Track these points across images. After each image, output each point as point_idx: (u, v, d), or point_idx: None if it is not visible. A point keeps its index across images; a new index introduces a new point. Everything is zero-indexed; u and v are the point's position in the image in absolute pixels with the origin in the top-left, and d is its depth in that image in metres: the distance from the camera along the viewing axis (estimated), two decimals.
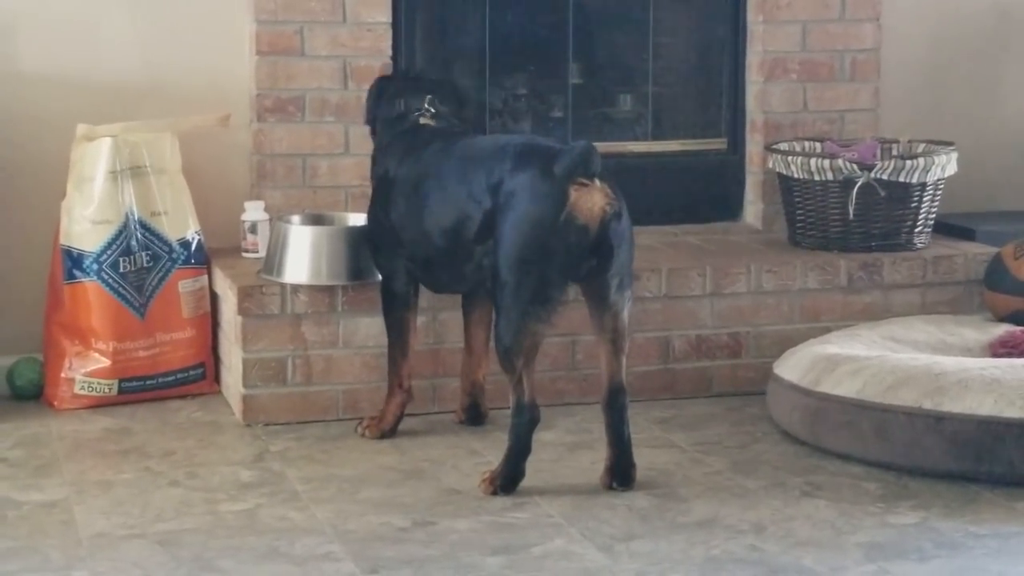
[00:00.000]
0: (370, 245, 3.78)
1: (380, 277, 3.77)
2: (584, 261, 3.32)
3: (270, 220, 4.13)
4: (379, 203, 3.70)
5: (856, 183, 4.22)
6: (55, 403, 4.04)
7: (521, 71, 4.60)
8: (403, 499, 3.36)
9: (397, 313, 3.73)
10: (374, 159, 3.80)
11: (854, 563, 3.02)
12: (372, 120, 3.83)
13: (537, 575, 2.97)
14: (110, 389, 4.03)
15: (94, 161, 4.02)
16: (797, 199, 4.34)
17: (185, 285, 4.10)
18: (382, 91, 3.83)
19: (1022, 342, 3.87)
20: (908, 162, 4.24)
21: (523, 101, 4.62)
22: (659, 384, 4.10)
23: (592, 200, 3.29)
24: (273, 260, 3.90)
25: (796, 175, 4.29)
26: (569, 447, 3.72)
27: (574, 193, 3.28)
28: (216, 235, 4.21)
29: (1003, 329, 3.99)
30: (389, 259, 3.71)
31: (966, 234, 4.46)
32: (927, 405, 3.48)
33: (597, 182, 3.29)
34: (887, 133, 4.59)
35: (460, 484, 3.45)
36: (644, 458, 3.52)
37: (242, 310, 3.86)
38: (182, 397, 4.09)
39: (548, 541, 3.13)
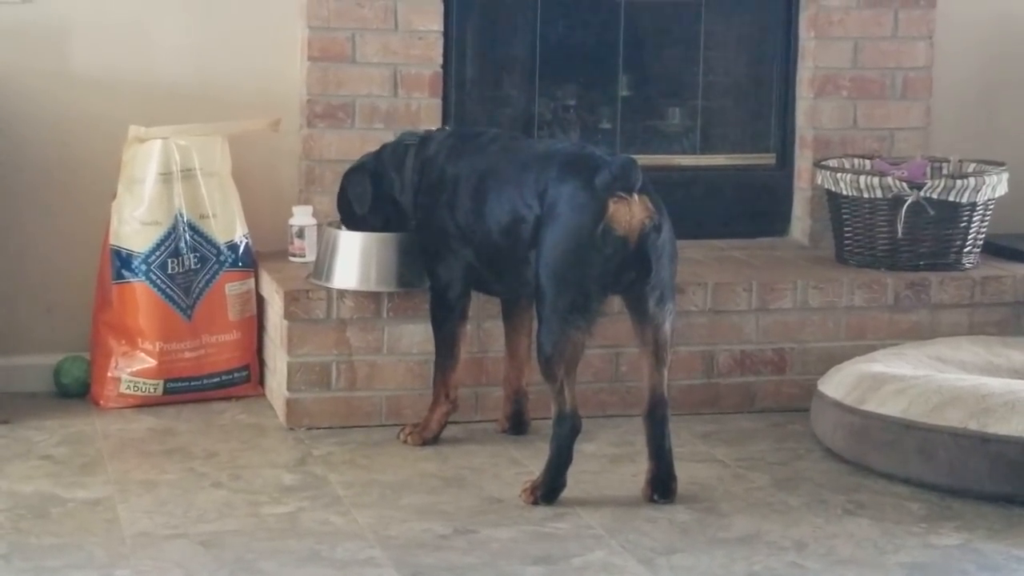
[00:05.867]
0: (429, 253, 3.74)
1: (429, 287, 3.77)
2: (623, 273, 3.33)
3: (318, 225, 4.14)
4: (443, 206, 3.67)
5: (905, 201, 4.20)
6: (101, 402, 4.06)
7: (571, 82, 4.60)
8: (444, 506, 3.36)
9: (449, 325, 3.72)
10: (421, 169, 3.76)
11: None
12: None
13: None
14: (155, 389, 4.06)
15: (145, 163, 4.05)
16: (845, 216, 4.32)
17: (232, 288, 4.12)
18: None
19: None
20: (958, 181, 4.22)
21: (572, 112, 4.62)
22: (703, 398, 4.09)
23: (631, 213, 3.29)
24: (322, 265, 3.91)
25: (845, 192, 4.27)
26: (611, 459, 3.71)
27: (613, 206, 3.29)
28: (264, 239, 4.23)
29: None
30: (449, 267, 3.69)
31: (1015, 255, 4.42)
32: (973, 426, 3.45)
33: (636, 196, 3.30)
34: (937, 152, 4.57)
35: (501, 493, 3.45)
36: (686, 472, 3.51)
37: (288, 314, 3.87)
38: (226, 399, 4.11)
39: (588, 552, 3.12)
